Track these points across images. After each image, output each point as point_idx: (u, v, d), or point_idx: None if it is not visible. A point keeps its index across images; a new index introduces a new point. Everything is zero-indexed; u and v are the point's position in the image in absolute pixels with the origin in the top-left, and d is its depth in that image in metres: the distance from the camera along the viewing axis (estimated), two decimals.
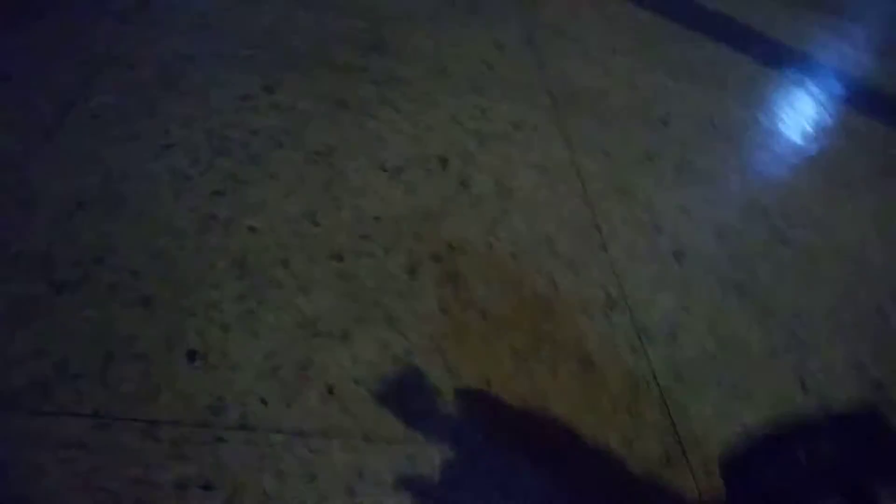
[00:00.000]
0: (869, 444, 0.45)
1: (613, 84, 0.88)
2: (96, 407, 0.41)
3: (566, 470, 0.47)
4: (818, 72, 1.05)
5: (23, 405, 0.40)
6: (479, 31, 0.90)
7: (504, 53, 0.87)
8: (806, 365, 0.57)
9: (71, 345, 0.43)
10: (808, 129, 0.91)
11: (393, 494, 0.42)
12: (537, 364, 0.53)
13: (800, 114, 0.93)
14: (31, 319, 0.44)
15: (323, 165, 0.62)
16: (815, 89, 0.99)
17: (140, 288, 0.48)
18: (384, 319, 0.52)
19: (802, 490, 0.44)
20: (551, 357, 0.54)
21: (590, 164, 0.74)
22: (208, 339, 0.46)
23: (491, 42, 0.88)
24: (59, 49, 0.63)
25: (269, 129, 0.63)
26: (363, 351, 0.49)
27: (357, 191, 0.61)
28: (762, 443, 0.49)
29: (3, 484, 0.38)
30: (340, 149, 0.64)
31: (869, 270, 0.73)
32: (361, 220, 0.58)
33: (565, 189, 0.70)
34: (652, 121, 0.84)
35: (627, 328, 0.58)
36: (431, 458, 0.45)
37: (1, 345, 0.42)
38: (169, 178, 0.55)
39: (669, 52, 0.97)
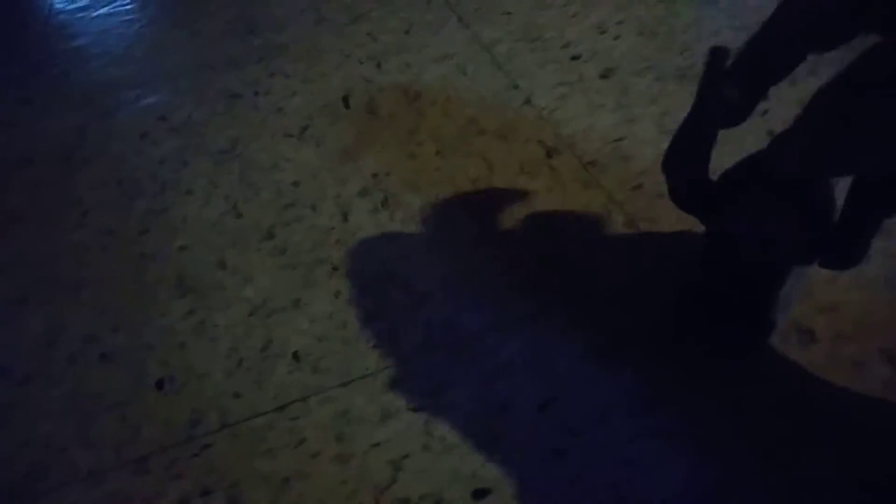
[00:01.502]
0: None
1: None
2: (89, 467, 0.43)
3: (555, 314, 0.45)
4: None
5: (25, 493, 0.42)
6: None
7: None
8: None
9: (50, 424, 0.45)
10: None
11: (382, 424, 0.42)
12: (490, 245, 0.51)
13: None
14: (8, 419, 0.46)
15: (231, 160, 0.62)
16: None
17: (96, 348, 0.49)
18: (330, 272, 0.51)
19: None
20: (502, 231, 0.52)
21: (491, 32, 0.71)
22: (170, 362, 0.47)
23: None
24: None
25: (173, 153, 0.64)
26: (318, 309, 0.49)
27: (270, 168, 0.60)
28: None
29: None
30: (243, 137, 0.64)
31: None
32: (281, 192, 0.58)
33: (473, 67, 0.67)
34: None
35: (573, 167, 0.55)
36: (412, 374, 0.44)
37: None
38: (94, 240, 0.56)
39: None
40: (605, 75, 0.63)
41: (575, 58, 0.66)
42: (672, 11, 0.69)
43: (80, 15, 0.90)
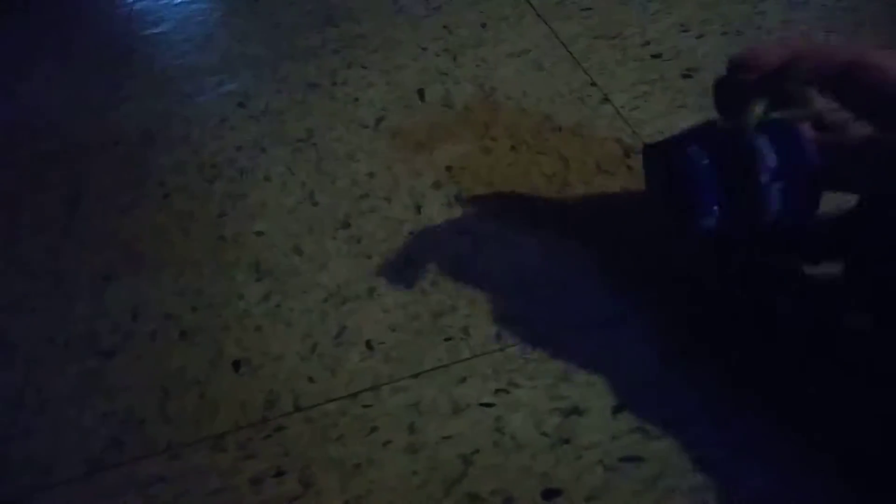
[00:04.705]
0: None
1: None
2: (167, 441, 0.44)
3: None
4: None
5: (106, 463, 0.43)
6: None
7: None
8: None
9: (131, 397, 0.46)
10: None
11: (453, 418, 0.42)
12: (565, 243, 0.50)
13: None
14: (93, 390, 0.47)
15: (308, 150, 0.63)
16: None
17: (176, 325, 0.50)
18: (404, 263, 0.52)
19: None
20: (580, 227, 0.51)
21: (570, 27, 0.70)
22: (246, 344, 0.48)
23: None
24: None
25: (251, 140, 0.65)
26: (391, 299, 0.49)
27: (346, 158, 0.61)
28: None
29: None
30: (320, 127, 0.65)
31: None
32: (357, 182, 0.58)
33: (550, 62, 0.66)
34: None
35: None
36: (482, 371, 0.44)
37: (75, 421, 0.46)
38: (175, 221, 0.58)
39: None
40: (687, 75, 0.62)
41: (656, 56, 0.65)
42: (759, 10, 0.67)
43: (164, 2, 0.93)
